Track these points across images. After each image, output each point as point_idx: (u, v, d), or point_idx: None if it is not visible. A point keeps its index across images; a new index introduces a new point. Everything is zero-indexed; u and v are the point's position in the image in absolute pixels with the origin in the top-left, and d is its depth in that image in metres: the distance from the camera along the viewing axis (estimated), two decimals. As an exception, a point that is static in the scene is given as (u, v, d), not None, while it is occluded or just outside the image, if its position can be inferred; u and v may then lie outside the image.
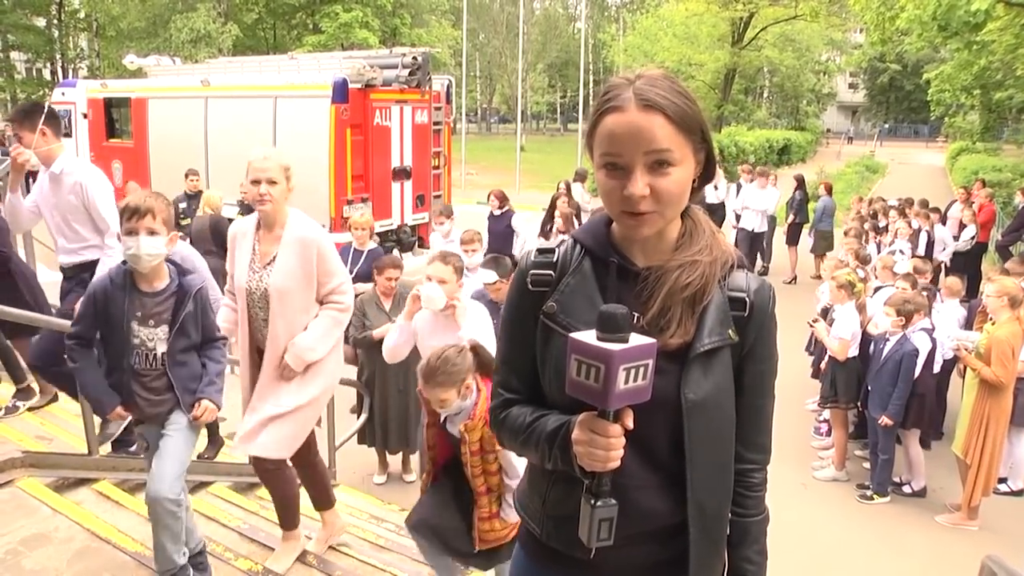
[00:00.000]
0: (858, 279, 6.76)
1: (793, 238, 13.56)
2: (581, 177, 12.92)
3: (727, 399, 1.55)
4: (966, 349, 5.79)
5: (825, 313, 6.99)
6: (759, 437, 1.64)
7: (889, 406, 5.89)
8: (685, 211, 1.57)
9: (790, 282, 13.01)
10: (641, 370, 1.30)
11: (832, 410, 6.56)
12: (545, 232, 10.18)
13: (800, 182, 14.05)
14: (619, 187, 1.42)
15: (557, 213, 9.78)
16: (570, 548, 1.54)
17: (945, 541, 5.66)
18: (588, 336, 1.31)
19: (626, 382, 1.28)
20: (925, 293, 6.73)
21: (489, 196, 10.09)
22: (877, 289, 7.32)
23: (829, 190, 14.07)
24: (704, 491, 1.52)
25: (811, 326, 6.84)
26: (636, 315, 1.46)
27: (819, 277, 13.14)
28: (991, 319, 5.77)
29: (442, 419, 3.39)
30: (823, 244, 13.43)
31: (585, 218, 11.25)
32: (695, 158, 1.48)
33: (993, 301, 5.67)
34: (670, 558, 1.55)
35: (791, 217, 13.59)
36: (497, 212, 9.78)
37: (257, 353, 3.69)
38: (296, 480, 3.91)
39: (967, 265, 11.25)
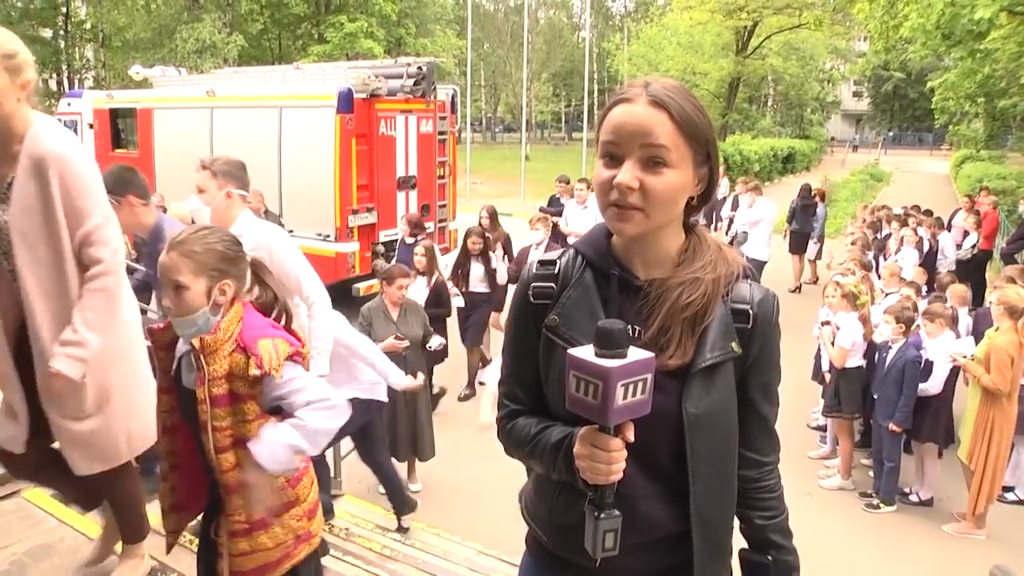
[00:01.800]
0: (863, 292, 6.74)
1: (797, 246, 13.55)
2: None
3: (729, 411, 1.56)
4: (963, 356, 5.80)
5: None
6: (769, 439, 1.65)
7: (896, 413, 5.88)
8: (690, 227, 1.58)
9: (794, 291, 12.99)
10: (640, 385, 1.30)
11: (837, 420, 6.55)
12: (456, 276, 8.13)
13: (806, 191, 14.02)
14: (611, 178, 1.43)
15: (419, 250, 7.45)
16: (576, 556, 1.55)
17: (952, 550, 5.63)
18: (586, 352, 1.31)
19: (624, 398, 1.29)
20: (950, 305, 6.72)
21: (401, 220, 9.34)
22: (888, 295, 7.32)
23: (822, 197, 14.20)
24: (706, 502, 1.53)
25: (821, 327, 6.85)
26: (637, 330, 1.48)
27: (815, 282, 13.31)
28: (996, 327, 5.77)
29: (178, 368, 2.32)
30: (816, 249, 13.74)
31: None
32: (695, 171, 1.48)
33: (995, 309, 5.69)
34: (674, 565, 1.56)
35: (792, 225, 13.59)
36: (409, 240, 8.54)
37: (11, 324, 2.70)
38: (136, 479, 3.11)
39: (971, 274, 11.21)
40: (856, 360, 6.34)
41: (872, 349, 6.44)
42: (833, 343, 6.44)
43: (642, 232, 1.47)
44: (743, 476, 1.62)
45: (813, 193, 13.85)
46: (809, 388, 7.53)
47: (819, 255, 13.78)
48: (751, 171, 30.21)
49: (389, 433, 5.93)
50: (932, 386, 5.98)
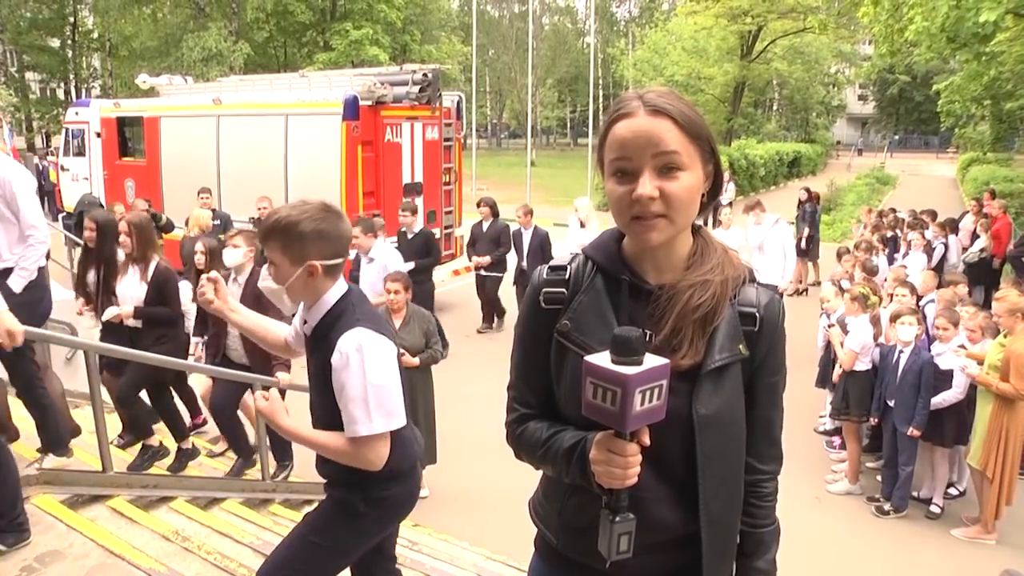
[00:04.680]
0: (871, 292, 6.72)
1: (806, 250, 13.59)
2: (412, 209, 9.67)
3: (738, 413, 1.58)
4: (977, 363, 5.75)
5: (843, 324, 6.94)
6: (770, 448, 1.67)
7: (915, 417, 5.84)
8: (696, 230, 1.60)
9: (802, 293, 13.00)
10: (656, 391, 1.32)
11: (845, 423, 6.52)
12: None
13: (809, 194, 14.26)
14: (628, 192, 1.44)
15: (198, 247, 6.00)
16: (586, 558, 1.57)
17: (961, 555, 5.60)
18: (603, 359, 1.32)
19: (642, 404, 1.31)
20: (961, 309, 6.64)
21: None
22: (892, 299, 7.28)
23: (817, 199, 14.46)
24: (715, 502, 1.55)
25: (827, 330, 6.81)
26: (649, 334, 1.49)
27: (817, 284, 13.38)
28: (1005, 333, 5.71)
29: None
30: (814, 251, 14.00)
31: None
32: (704, 169, 1.51)
33: (1005, 319, 5.62)
34: (681, 566, 1.58)
35: (805, 230, 13.62)
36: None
37: None
38: None
39: (983, 277, 11.16)
40: (865, 363, 6.31)
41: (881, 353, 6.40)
42: (843, 345, 6.41)
43: (667, 238, 1.49)
44: None
45: (812, 195, 14.22)
46: (815, 392, 7.51)
47: (816, 256, 14.09)
48: (756, 175, 30.25)
49: None
50: (955, 393, 5.85)
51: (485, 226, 10.33)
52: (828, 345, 7.01)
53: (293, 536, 2.74)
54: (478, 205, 10.44)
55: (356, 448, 2.44)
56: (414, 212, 9.42)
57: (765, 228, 9.67)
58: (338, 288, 2.52)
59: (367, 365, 2.39)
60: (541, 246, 9.81)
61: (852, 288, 6.67)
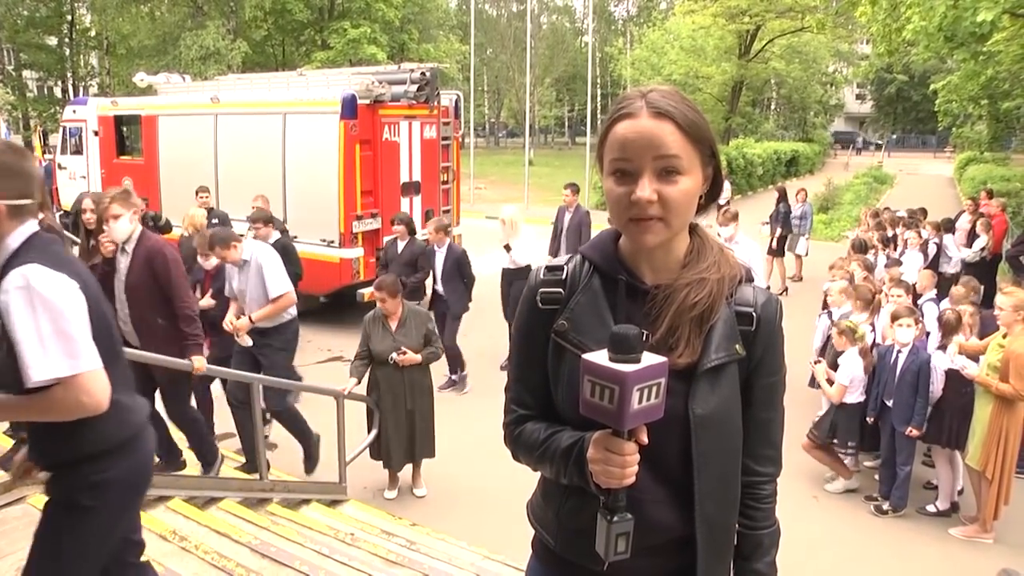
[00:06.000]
0: (859, 328, 6.64)
1: (778, 250, 13.82)
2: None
3: (734, 413, 1.57)
4: (973, 361, 5.75)
5: (824, 351, 6.91)
6: (768, 450, 1.66)
7: (913, 417, 5.84)
8: (693, 228, 1.60)
9: (781, 293, 13.05)
10: (654, 389, 1.32)
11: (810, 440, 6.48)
12: None
13: (782, 194, 14.36)
14: (627, 194, 1.44)
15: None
16: (584, 559, 1.57)
17: (959, 553, 5.61)
18: (601, 357, 1.32)
19: (640, 402, 1.30)
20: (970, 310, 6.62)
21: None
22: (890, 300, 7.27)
23: (805, 196, 14.62)
24: (711, 503, 1.55)
25: (812, 366, 6.80)
26: (645, 333, 1.49)
27: (800, 278, 13.96)
28: (1004, 333, 5.70)
29: None
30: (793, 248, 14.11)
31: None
32: (703, 172, 1.50)
33: (1007, 315, 5.61)
34: (678, 568, 1.58)
35: (778, 230, 13.73)
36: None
37: None
38: None
39: (981, 276, 11.16)
40: (856, 396, 6.23)
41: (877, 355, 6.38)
42: (830, 381, 6.37)
43: (662, 240, 1.49)
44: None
45: (796, 195, 14.35)
46: (813, 391, 7.50)
47: (806, 251, 14.22)
48: (754, 174, 30.27)
49: (384, 442, 5.93)
50: (933, 391, 5.89)
51: (400, 246, 8.72)
52: (825, 346, 7.01)
53: (30, 569, 2.44)
54: (392, 223, 8.95)
55: (58, 395, 2.12)
56: (268, 222, 7.69)
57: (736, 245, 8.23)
58: (22, 231, 2.23)
59: (35, 301, 2.10)
60: (457, 265, 8.46)
61: (839, 323, 6.61)
